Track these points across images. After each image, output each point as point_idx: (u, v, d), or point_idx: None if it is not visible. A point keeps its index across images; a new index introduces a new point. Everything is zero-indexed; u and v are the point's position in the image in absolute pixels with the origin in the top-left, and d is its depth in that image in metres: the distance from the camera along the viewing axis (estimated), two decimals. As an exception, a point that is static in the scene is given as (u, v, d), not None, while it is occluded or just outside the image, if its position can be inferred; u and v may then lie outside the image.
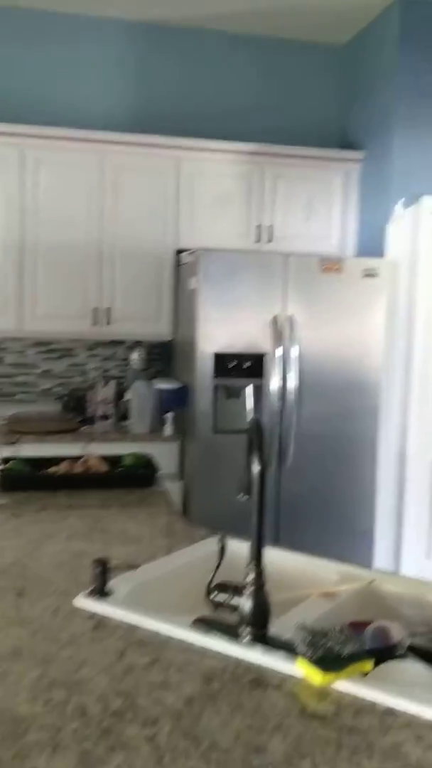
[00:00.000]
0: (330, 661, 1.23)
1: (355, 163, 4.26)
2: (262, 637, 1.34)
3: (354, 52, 4.43)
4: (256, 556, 1.35)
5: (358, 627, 1.66)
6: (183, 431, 3.82)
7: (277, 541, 3.57)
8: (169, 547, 1.90)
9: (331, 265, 3.68)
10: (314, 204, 4.22)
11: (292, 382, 3.64)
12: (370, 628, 1.58)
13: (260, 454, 1.35)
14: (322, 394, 3.72)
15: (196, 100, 4.42)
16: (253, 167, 4.13)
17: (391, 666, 1.32)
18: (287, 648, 1.29)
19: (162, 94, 4.38)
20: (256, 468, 1.34)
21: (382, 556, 4.05)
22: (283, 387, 3.65)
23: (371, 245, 4.10)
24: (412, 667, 1.34)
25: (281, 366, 3.64)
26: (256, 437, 1.37)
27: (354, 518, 3.86)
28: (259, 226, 4.15)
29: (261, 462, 1.34)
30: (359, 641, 1.26)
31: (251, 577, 1.35)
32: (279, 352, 3.63)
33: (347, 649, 1.24)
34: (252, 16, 4.18)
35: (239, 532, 2.16)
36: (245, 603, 1.35)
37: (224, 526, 3.28)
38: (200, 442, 3.63)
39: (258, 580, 1.34)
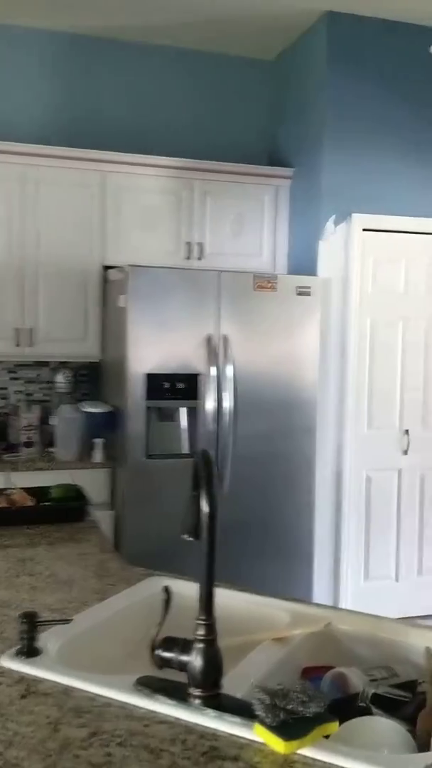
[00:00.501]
0: (292, 726, 1.10)
1: (285, 180, 4.21)
2: (214, 699, 1.19)
3: (283, 68, 4.40)
4: (206, 608, 1.20)
5: (313, 673, 1.54)
6: (113, 457, 3.64)
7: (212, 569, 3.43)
8: (103, 591, 1.73)
9: (264, 282, 3.59)
10: (245, 221, 4.14)
11: (228, 403, 3.52)
12: (327, 676, 1.47)
13: (209, 491, 1.21)
14: (258, 414, 3.62)
15: (126, 114, 4.29)
16: (182, 183, 4.02)
17: (357, 724, 1.20)
18: (244, 711, 1.15)
19: (90, 107, 4.22)
20: (205, 507, 1.20)
21: (321, 578, 3.96)
22: (219, 408, 3.53)
23: (303, 262, 4.05)
24: (378, 723, 1.22)
25: (216, 386, 3.52)
26: (204, 471, 1.23)
27: (293, 540, 3.76)
28: (189, 243, 4.04)
29: (211, 500, 1.20)
30: (322, 699, 1.13)
31: (201, 631, 1.20)
32: (213, 371, 3.51)
33: (310, 710, 1.11)
34: (181, 28, 4.09)
35: (176, 567, 2.01)
36: (195, 660, 1.20)
37: (159, 557, 3.12)
38: (132, 468, 3.46)
39: (208, 634, 1.20)
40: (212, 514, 1.20)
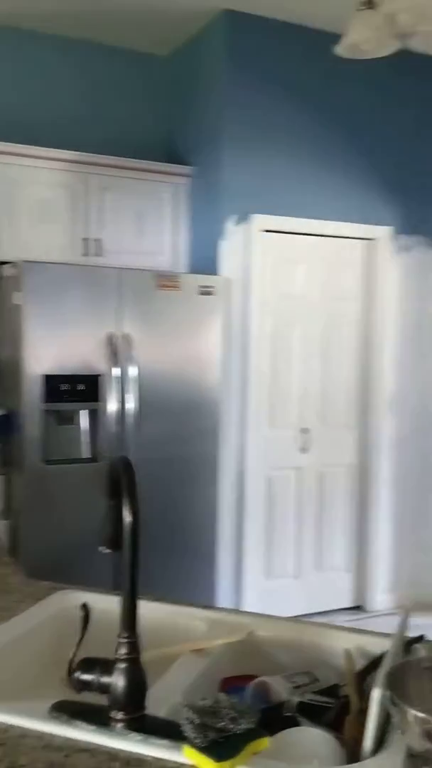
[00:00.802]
0: (223, 746, 1.04)
1: (184, 178, 4.16)
2: (139, 722, 1.12)
3: (179, 64, 4.34)
4: (129, 624, 1.13)
5: (233, 683, 1.49)
6: (8, 463, 3.47)
7: (117, 580, 3.33)
8: (8, 609, 1.62)
9: (167, 281, 3.53)
10: (145, 218, 4.06)
11: (131, 404, 3.44)
12: (250, 687, 1.42)
13: (132, 500, 1.13)
14: (162, 415, 3.55)
15: (15, 103, 4.10)
16: (77, 177, 3.89)
17: (286, 736, 1.16)
18: (171, 732, 1.09)
19: (-24, 94, 4.01)
20: (128, 517, 1.12)
21: (224, 578, 3.94)
22: (122, 409, 3.44)
23: (205, 262, 4.02)
24: (307, 734, 1.19)
25: (118, 387, 3.42)
26: (125, 478, 1.15)
27: (197, 542, 3.72)
28: (86, 239, 3.91)
29: (134, 510, 1.13)
30: (252, 714, 1.08)
31: (123, 650, 1.13)
32: (116, 372, 3.41)
33: (241, 727, 1.06)
34: (72, 18, 3.96)
35: (79, 578, 1.92)
36: (117, 681, 1.12)
37: (60, 569, 2.99)
38: (29, 474, 3.30)
39: (132, 653, 1.13)
40: (136, 525, 1.12)
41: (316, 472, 4.22)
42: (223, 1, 3.77)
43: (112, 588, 1.78)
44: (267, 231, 3.98)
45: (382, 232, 4.27)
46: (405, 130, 4.35)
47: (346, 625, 4.06)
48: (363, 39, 2.29)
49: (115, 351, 3.42)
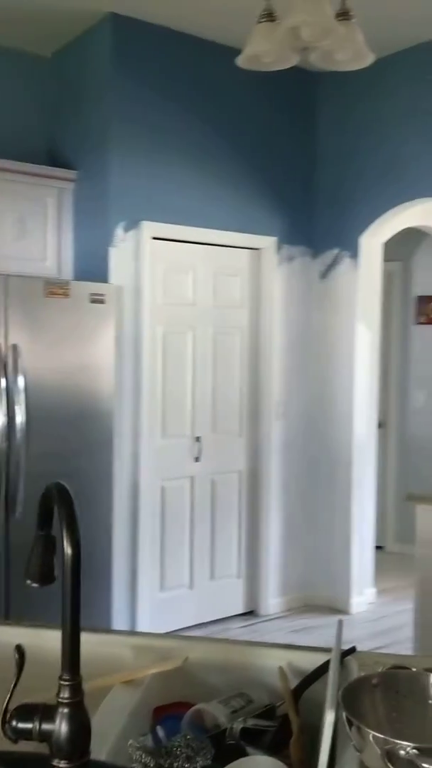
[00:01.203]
0: (181, 786, 0.98)
1: (68, 182, 4.03)
2: (85, 769, 1.03)
3: (64, 66, 4.21)
4: (71, 665, 1.05)
5: (164, 712, 1.43)
6: None
7: (8, 605, 3.16)
8: None
9: (56, 288, 3.40)
10: (27, 222, 3.89)
11: (20, 417, 3.27)
12: (186, 717, 1.37)
13: (72, 530, 1.05)
14: (53, 428, 3.40)
15: None
16: None
17: (238, 766, 1.12)
18: (121, 777, 1.02)
19: None
20: (68, 549, 1.04)
21: (119, 592, 3.84)
22: (9, 424, 3.26)
23: (93, 269, 3.91)
24: (258, 763, 1.15)
25: (5, 400, 3.25)
26: (62, 506, 1.07)
27: (92, 557, 3.60)
28: (-35, 244, 3.70)
29: (73, 541, 1.05)
30: (208, 749, 1.03)
31: (66, 693, 1.04)
32: (2, 383, 3.24)
33: (198, 765, 1.01)
34: None
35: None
36: (59, 728, 1.03)
37: None
38: None
39: (74, 696, 1.04)
40: (77, 558, 1.04)
41: (209, 480, 4.22)
42: (109, 3, 3.69)
43: (33, 619, 1.66)
44: (157, 239, 3.94)
45: (267, 242, 4.34)
46: (290, 144, 4.45)
47: (239, 630, 4.09)
48: (263, 51, 2.30)
49: (2, 361, 3.25)
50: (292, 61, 2.30)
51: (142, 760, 0.99)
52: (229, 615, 4.35)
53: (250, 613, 4.43)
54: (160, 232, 3.92)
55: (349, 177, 4.46)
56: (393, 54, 4.09)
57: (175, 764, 1.00)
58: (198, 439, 4.12)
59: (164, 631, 3.79)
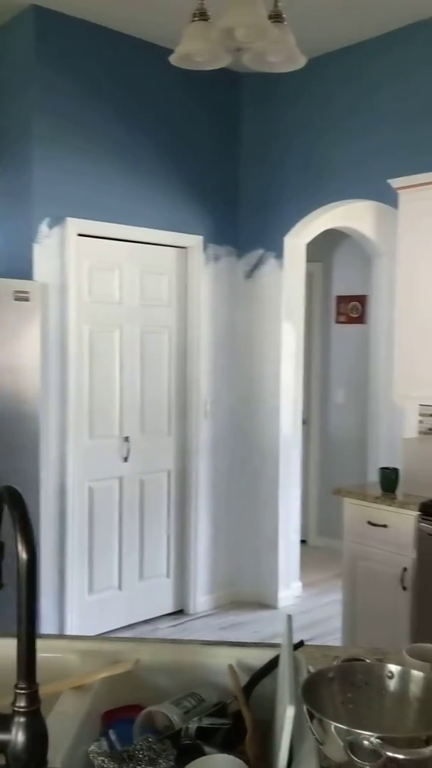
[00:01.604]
0: (145, 790, 0.97)
1: (-10, 176, 3.91)
2: (44, 780, 1.01)
3: (-18, 57, 4.08)
4: (27, 673, 1.02)
5: (115, 716, 1.41)
6: None
7: None
8: None
9: (-20, 286, 3.29)
10: None
11: None
12: (138, 720, 1.35)
13: (26, 535, 1.02)
14: (-23, 431, 3.30)
15: None
16: None
17: (199, 766, 1.11)
18: (82, 785, 1.00)
19: None
20: (23, 554, 1.01)
21: (47, 596, 3.77)
22: None
23: (15, 265, 3.81)
24: (217, 761, 1.15)
25: None
26: (15, 511, 1.03)
27: (17, 565, 3.50)
28: None
29: (29, 546, 1.02)
30: (169, 750, 1.03)
31: (22, 702, 1.01)
32: None
33: (160, 766, 1.00)
34: None
35: None
36: (16, 738, 1.00)
37: None
38: None
39: (31, 705, 1.01)
40: (32, 563, 1.01)
41: (137, 480, 4.18)
42: (31, -6, 3.60)
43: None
44: (83, 235, 3.87)
45: (193, 241, 4.34)
46: (215, 144, 4.46)
47: (169, 630, 4.08)
48: (196, 50, 2.30)
49: None
50: (225, 61, 2.31)
51: (105, 765, 0.97)
52: (159, 615, 4.33)
53: (179, 612, 4.42)
54: (85, 229, 3.86)
55: (272, 178, 4.52)
56: (316, 57, 4.17)
57: (138, 767, 0.98)
58: (126, 439, 4.09)
59: (94, 634, 3.74)
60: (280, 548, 4.55)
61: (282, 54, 2.29)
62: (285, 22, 2.27)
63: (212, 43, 2.25)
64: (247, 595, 4.63)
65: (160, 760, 1.00)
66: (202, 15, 2.30)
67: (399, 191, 3.54)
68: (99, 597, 4.02)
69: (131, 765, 0.99)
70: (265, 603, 4.58)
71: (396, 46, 3.89)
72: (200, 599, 4.46)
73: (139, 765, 0.99)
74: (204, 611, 4.46)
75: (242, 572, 4.65)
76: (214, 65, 2.38)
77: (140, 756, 1.00)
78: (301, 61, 2.34)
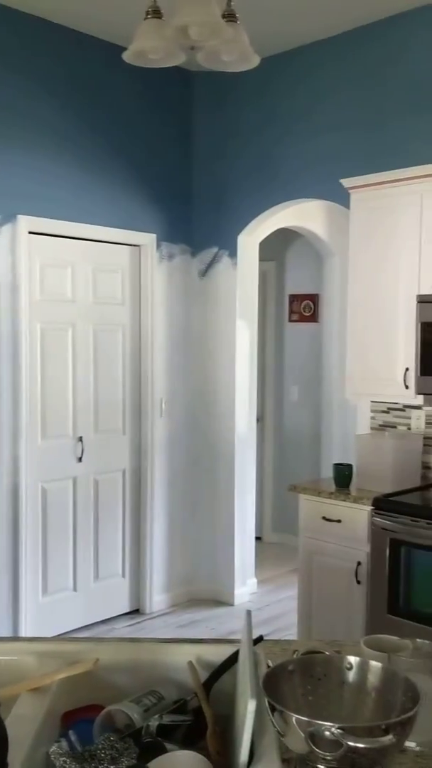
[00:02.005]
0: (108, 789, 0.97)
1: None
2: (4, 783, 1.00)
3: None
4: (-12, 675, 1.00)
5: (74, 717, 1.40)
6: None
7: None
8: None
9: None
10: None
11: None
12: (98, 720, 1.34)
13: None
14: None
15: None
16: None
17: (162, 764, 1.11)
18: (43, 787, 0.99)
19: None
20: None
21: (0, 597, 3.71)
22: None
23: (-34, 263, 3.73)
24: (179, 758, 1.15)
25: None
26: None
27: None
28: None
29: None
30: (131, 749, 1.03)
31: (-18, 705, 1.00)
32: None
33: (123, 766, 1.00)
34: None
35: None
36: (-25, 742, 0.99)
37: None
38: None
39: (-8, 707, 1.00)
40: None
41: (92, 480, 4.15)
42: (-20, -14, 3.54)
43: None
44: (34, 233, 3.82)
45: (146, 239, 4.33)
46: (168, 142, 4.45)
47: (125, 629, 4.07)
48: (150, 48, 2.29)
49: None
50: (179, 59, 2.31)
51: (66, 766, 0.96)
52: (115, 615, 4.31)
53: (135, 612, 4.41)
54: (37, 227, 3.81)
55: (226, 177, 4.53)
56: (271, 57, 4.20)
57: (101, 767, 0.98)
58: (80, 439, 4.05)
59: (49, 636, 3.70)
60: (236, 545, 4.57)
61: (235, 53, 2.30)
62: (238, 22, 2.29)
63: (166, 41, 2.24)
64: (204, 592, 4.65)
65: (122, 759, 1.00)
66: (155, 13, 2.30)
67: (351, 191, 3.59)
68: (53, 598, 3.98)
69: (93, 764, 0.98)
70: (221, 600, 4.60)
71: (350, 48, 3.94)
72: (156, 598, 4.45)
73: (101, 764, 0.98)
74: (160, 610, 4.45)
75: (198, 570, 4.66)
76: (169, 63, 2.38)
77: (102, 755, 1.00)
78: (254, 61, 2.35)
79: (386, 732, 0.95)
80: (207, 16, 2.08)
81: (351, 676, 1.12)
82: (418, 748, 1.16)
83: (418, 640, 1.27)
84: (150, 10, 2.30)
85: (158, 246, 4.39)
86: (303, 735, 1.00)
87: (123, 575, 4.35)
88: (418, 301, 3.31)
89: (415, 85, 3.68)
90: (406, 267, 3.39)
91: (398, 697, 1.06)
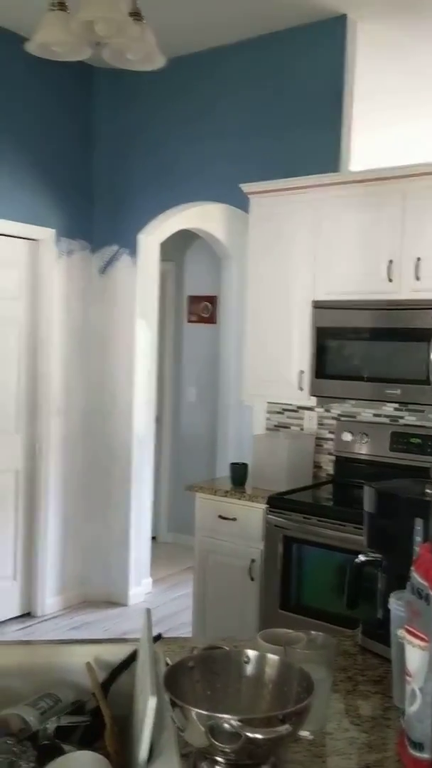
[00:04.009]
0: (6, 793, 0.95)
1: None
2: None
3: None
4: None
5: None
6: None
7: None
8: None
9: None
10: None
11: None
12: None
13: None
14: None
15: None
16: None
17: (58, 766, 1.10)
18: None
19: None
20: None
21: None
22: None
23: None
24: (77, 759, 1.15)
25: None
26: None
27: None
28: None
29: None
30: (30, 751, 1.01)
31: None
32: None
33: (24, 765, 0.98)
34: None
35: None
36: None
37: None
38: None
39: None
40: None
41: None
42: None
43: None
44: None
45: (45, 234, 4.25)
46: (68, 135, 4.38)
47: (16, 633, 3.97)
48: (55, 40, 2.26)
49: None
50: (85, 54, 2.28)
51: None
52: (5, 618, 4.19)
53: (26, 615, 4.31)
54: None
55: (126, 174, 4.51)
56: (174, 58, 4.20)
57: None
58: None
59: None
60: (131, 546, 4.56)
61: (141, 52, 2.30)
62: (144, 21, 2.29)
63: (72, 35, 2.21)
64: (97, 594, 4.60)
65: (20, 762, 0.99)
66: (60, 5, 2.26)
67: (250, 196, 3.66)
68: None
69: (-10, 768, 0.96)
70: (115, 601, 4.56)
71: (251, 56, 4.01)
72: (49, 601, 4.37)
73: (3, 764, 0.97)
74: (53, 612, 4.37)
75: (92, 571, 4.61)
76: (74, 57, 2.35)
77: (0, 759, 0.98)
78: (159, 61, 2.36)
79: (282, 722, 0.99)
80: (113, 13, 2.07)
81: (249, 669, 1.15)
82: (311, 737, 1.20)
83: (312, 632, 1.32)
84: (55, 1, 2.26)
85: (57, 241, 4.31)
86: (203, 729, 1.02)
87: (14, 578, 4.24)
88: (314, 307, 3.42)
89: (313, 97, 3.79)
90: (303, 273, 3.49)
91: (294, 688, 1.09)
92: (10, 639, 3.88)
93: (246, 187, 3.67)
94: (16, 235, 4.10)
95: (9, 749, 1.00)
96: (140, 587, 4.66)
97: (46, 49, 2.30)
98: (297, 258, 3.51)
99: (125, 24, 2.11)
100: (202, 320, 5.85)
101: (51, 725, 1.24)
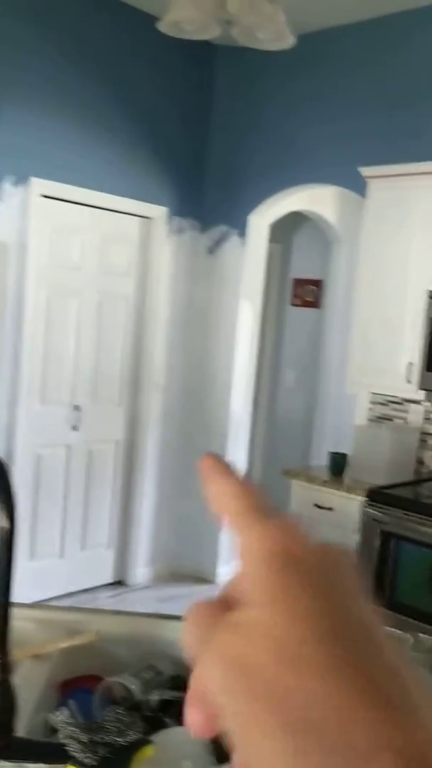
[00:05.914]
0: (113, 761, 0.98)
1: None
2: (11, 747, 1.00)
3: None
4: (1, 643, 1.01)
5: (73, 685, 1.41)
6: None
7: None
8: None
9: None
10: None
11: None
12: (97, 693, 1.35)
13: (9, 504, 1.01)
14: None
15: None
16: None
17: (159, 739, 1.13)
18: (48, 755, 1.00)
19: None
20: (4, 522, 1.00)
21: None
22: None
23: (-25, 222, 3.69)
24: (177, 734, 1.17)
25: None
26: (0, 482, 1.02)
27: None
28: None
29: (10, 513, 1.00)
30: (138, 724, 1.03)
31: (-7, 669, 1.00)
32: None
33: (129, 738, 1.01)
34: None
35: None
36: (-16, 706, 1.00)
37: None
38: None
39: (4, 673, 1.01)
40: (13, 530, 1.00)
41: (86, 450, 4.15)
42: None
43: None
44: (46, 197, 3.78)
45: (157, 212, 4.29)
46: (185, 114, 4.40)
47: (107, 600, 4.08)
48: (186, 18, 2.26)
49: None
50: (214, 32, 2.28)
51: (75, 736, 0.97)
52: (98, 585, 4.33)
53: (118, 583, 4.43)
54: (49, 191, 3.77)
55: (241, 155, 4.48)
56: (299, 36, 4.13)
57: (108, 738, 0.99)
58: (77, 407, 4.04)
59: (33, 601, 3.71)
60: (222, 524, 4.58)
61: (271, 31, 2.27)
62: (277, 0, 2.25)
63: (204, 13, 2.21)
64: (186, 568, 4.67)
65: (129, 732, 1.01)
66: (194, -18, 2.25)
67: (369, 180, 3.57)
68: (40, 564, 3.99)
69: (100, 735, 0.99)
70: (203, 577, 4.62)
71: (376, 32, 3.89)
72: (140, 570, 4.48)
73: (108, 735, 0.99)
74: (142, 583, 4.48)
75: (183, 546, 4.68)
76: (203, 35, 2.35)
77: (109, 727, 1.01)
78: (289, 41, 2.33)
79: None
80: (247, -9, 2.04)
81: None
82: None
83: (420, 635, 1.29)
84: (188, -21, 2.26)
85: (169, 219, 4.35)
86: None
87: (109, 546, 4.36)
88: (430, 296, 3.31)
89: (441, 78, 3.64)
90: (419, 260, 3.38)
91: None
92: (101, 605, 4.00)
93: (366, 171, 3.58)
94: (129, 212, 4.17)
95: (119, 718, 1.02)
96: (229, 567, 4.70)
97: (177, 28, 2.31)
98: (417, 246, 3.40)
99: (258, 2, 2.08)
100: (306, 304, 5.77)
101: (154, 698, 1.26)
